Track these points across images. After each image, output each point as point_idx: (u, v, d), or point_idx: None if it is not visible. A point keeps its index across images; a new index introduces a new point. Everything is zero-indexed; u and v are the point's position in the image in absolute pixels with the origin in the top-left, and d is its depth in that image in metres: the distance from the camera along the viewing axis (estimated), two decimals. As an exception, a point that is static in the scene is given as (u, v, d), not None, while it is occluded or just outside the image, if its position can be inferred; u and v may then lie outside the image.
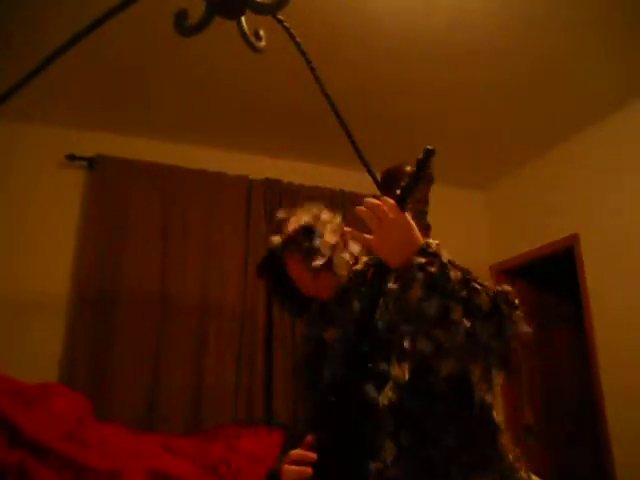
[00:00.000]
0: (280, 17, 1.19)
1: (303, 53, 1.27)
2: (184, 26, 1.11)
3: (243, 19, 1.15)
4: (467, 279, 1.05)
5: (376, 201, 1.12)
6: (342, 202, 3.97)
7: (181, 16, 1.10)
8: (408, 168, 1.57)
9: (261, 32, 1.19)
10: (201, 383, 3.33)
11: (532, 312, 3.90)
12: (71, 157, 3.49)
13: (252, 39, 1.16)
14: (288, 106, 3.36)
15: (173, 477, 2.32)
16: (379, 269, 1.18)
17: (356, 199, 3.97)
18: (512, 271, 4.15)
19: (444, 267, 1.04)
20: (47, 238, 3.39)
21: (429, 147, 1.08)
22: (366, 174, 1.53)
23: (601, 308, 3.41)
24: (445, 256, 1.07)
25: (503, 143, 3.83)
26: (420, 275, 1.03)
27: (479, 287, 1.04)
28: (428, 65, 2.99)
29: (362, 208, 1.12)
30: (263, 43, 1.20)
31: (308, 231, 1.57)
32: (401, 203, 1.11)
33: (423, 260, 1.05)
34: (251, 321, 3.53)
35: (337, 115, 1.31)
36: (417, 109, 3.40)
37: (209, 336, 3.43)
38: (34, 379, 2.70)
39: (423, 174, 1.10)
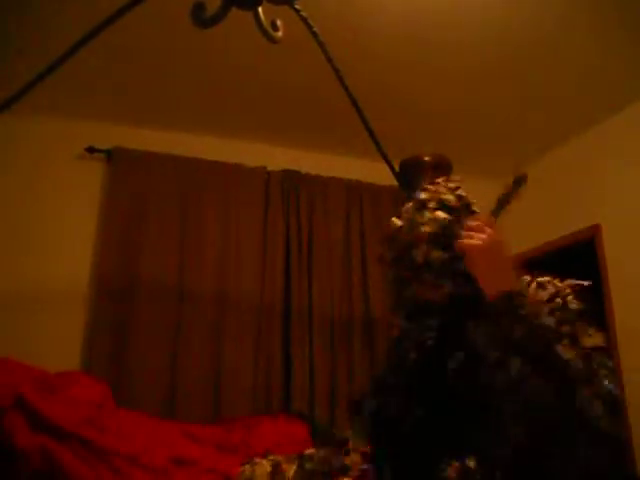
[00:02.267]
0: (297, 7, 1.19)
1: (320, 44, 1.26)
2: (201, 18, 1.11)
3: (260, 9, 1.15)
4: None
5: (477, 222, 1.10)
6: (360, 193, 3.96)
7: (198, 8, 1.10)
8: (426, 158, 1.54)
9: (278, 22, 1.19)
10: (220, 373, 3.35)
11: (552, 304, 3.85)
12: (90, 149, 3.53)
13: (269, 29, 1.15)
14: (306, 97, 3.35)
15: (193, 461, 2.36)
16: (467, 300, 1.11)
17: (374, 189, 3.96)
18: (532, 262, 4.11)
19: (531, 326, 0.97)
20: (67, 230, 3.43)
21: (522, 175, 1.15)
22: (384, 164, 1.53)
23: (623, 300, 3.36)
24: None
25: (523, 132, 3.77)
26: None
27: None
28: (448, 52, 2.96)
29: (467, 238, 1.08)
30: (280, 33, 1.19)
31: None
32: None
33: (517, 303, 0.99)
34: (269, 311, 3.55)
35: (355, 105, 1.30)
36: (436, 97, 3.37)
37: (227, 326, 3.45)
38: (57, 368, 2.76)
39: (510, 200, 1.14)
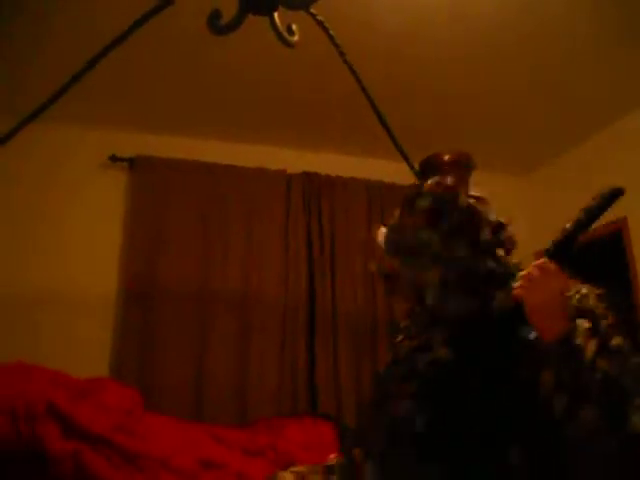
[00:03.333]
0: (312, 11, 1.19)
1: (337, 46, 1.26)
2: (218, 26, 1.12)
3: (276, 15, 1.16)
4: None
5: (531, 268, 1.01)
6: (381, 193, 3.94)
7: (214, 16, 1.11)
8: (446, 157, 1.53)
9: (294, 27, 1.20)
10: (246, 376, 3.38)
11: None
12: (113, 158, 3.58)
13: (285, 34, 1.16)
14: (324, 99, 3.35)
15: (222, 465, 2.37)
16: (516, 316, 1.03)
17: (395, 190, 3.94)
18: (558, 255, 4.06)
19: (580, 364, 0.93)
20: (94, 238, 3.48)
21: (617, 188, 1.03)
22: (404, 164, 1.52)
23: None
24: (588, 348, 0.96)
25: (545, 127, 3.72)
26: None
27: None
28: (466, 49, 2.94)
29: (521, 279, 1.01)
30: (296, 37, 1.20)
31: None
32: (559, 254, 1.05)
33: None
34: (293, 313, 3.56)
35: (373, 106, 1.30)
36: (455, 94, 3.34)
37: (252, 329, 3.47)
38: (86, 374, 2.80)
39: (595, 219, 1.03)
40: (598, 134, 3.74)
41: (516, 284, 1.02)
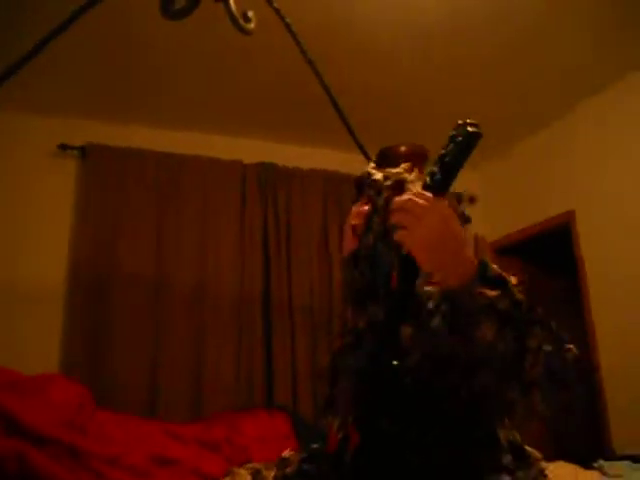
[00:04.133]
0: (269, -2, 1.18)
1: (293, 34, 1.25)
2: (171, 10, 1.09)
3: (231, 1, 1.14)
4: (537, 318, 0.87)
5: (405, 197, 0.88)
6: (338, 184, 3.95)
7: (167, 0, 1.08)
8: (402, 149, 1.53)
9: (250, 13, 1.18)
10: (201, 369, 3.34)
11: (527, 290, 3.90)
12: (63, 146, 3.47)
13: (240, 21, 1.14)
14: (281, 89, 3.33)
15: (176, 461, 2.34)
16: (408, 270, 0.91)
17: (352, 180, 3.95)
18: (507, 249, 4.16)
19: (517, 304, 0.85)
20: (42, 228, 3.37)
21: (473, 124, 0.85)
22: (361, 155, 1.53)
23: (598, 285, 3.42)
24: (511, 282, 0.87)
25: (496, 120, 3.79)
26: (491, 314, 0.83)
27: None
28: (419, 41, 2.96)
29: (395, 212, 0.89)
30: (252, 25, 1.18)
31: None
32: (440, 189, 0.87)
33: (491, 293, 0.83)
34: (249, 304, 3.54)
35: (329, 95, 1.29)
36: (410, 87, 3.37)
37: (207, 321, 3.43)
38: (33, 368, 2.71)
39: (469, 153, 0.86)
40: (549, 127, 3.84)
41: (393, 224, 0.89)
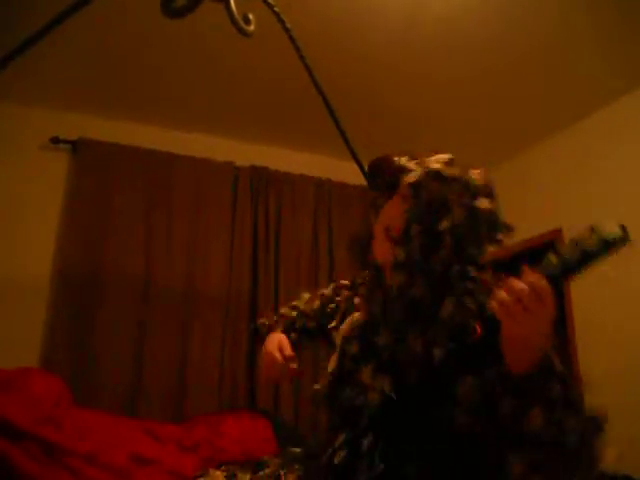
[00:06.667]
0: (270, 1, 1.18)
1: (292, 39, 1.25)
2: (171, 8, 1.08)
3: (232, 1, 1.13)
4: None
5: (524, 286, 0.81)
6: (329, 191, 3.96)
7: (168, -2, 1.08)
8: (396, 159, 1.54)
9: (250, 16, 1.18)
10: (185, 370, 3.31)
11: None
12: (55, 140, 3.44)
13: (241, 23, 1.14)
14: (276, 92, 3.33)
15: (154, 460, 2.32)
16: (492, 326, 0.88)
17: (343, 188, 3.97)
18: (493, 265, 4.17)
19: (571, 402, 0.86)
20: (30, 222, 3.33)
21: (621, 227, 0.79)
22: (354, 164, 1.53)
23: (583, 303, 3.43)
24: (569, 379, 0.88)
25: (483, 138, 3.82)
26: (544, 404, 0.83)
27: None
28: (415, 55, 2.98)
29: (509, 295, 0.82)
30: (252, 27, 1.18)
31: None
32: (555, 283, 0.82)
33: (555, 388, 0.85)
34: (236, 307, 3.52)
35: (325, 103, 1.30)
36: (402, 99, 3.38)
37: (193, 322, 3.41)
38: (14, 363, 2.67)
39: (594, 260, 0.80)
40: (537, 145, 3.87)
41: (495, 300, 0.84)
